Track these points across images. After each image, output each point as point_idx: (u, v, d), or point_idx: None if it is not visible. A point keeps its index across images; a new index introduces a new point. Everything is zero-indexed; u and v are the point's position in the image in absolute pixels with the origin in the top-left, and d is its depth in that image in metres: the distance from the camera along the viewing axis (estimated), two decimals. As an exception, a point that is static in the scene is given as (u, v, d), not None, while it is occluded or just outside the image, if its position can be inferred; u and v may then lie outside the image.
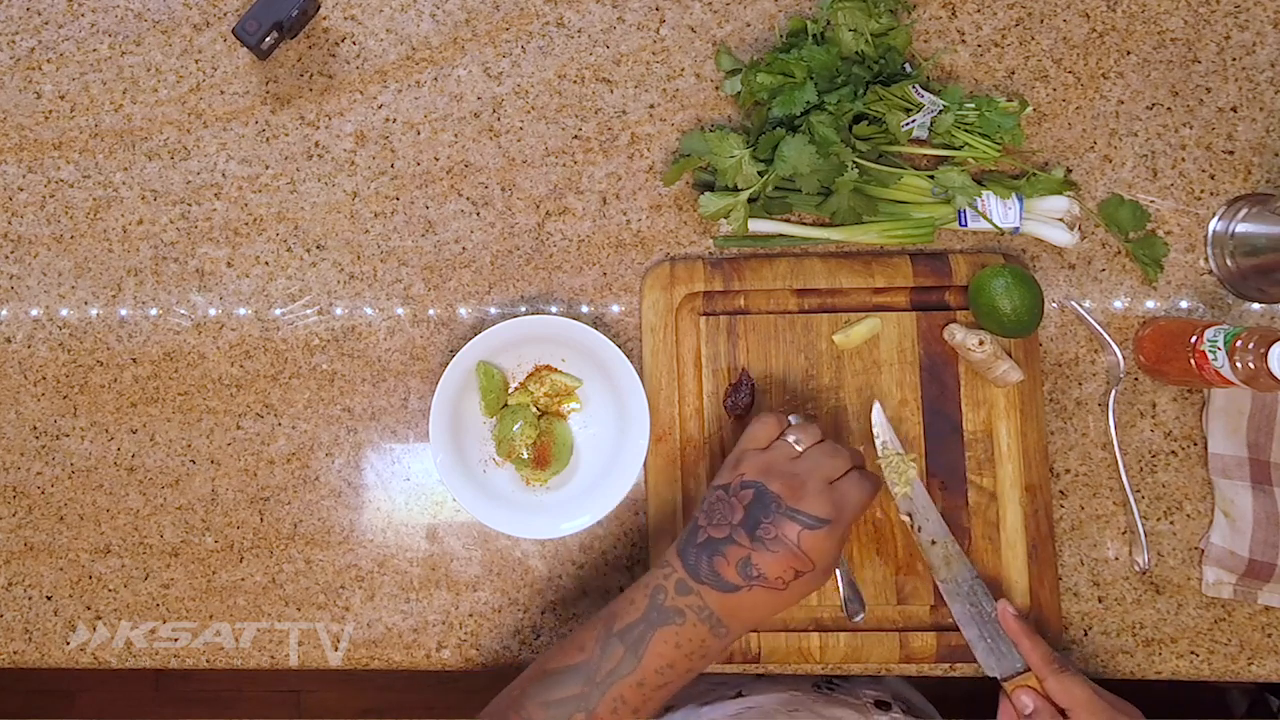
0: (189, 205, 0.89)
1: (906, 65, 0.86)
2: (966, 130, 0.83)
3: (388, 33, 0.90)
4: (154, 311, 0.88)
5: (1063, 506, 0.84)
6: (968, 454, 0.83)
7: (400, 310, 0.88)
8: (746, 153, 0.82)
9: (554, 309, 0.87)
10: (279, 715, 1.67)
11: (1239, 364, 0.73)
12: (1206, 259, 0.86)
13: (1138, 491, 0.84)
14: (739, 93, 0.86)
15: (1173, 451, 0.84)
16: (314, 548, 0.86)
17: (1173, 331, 0.81)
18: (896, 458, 0.80)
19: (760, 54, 0.88)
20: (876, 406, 0.81)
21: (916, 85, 0.82)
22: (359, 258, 0.88)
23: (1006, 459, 0.82)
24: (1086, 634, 0.83)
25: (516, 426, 0.82)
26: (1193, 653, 0.83)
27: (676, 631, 0.66)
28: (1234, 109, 0.87)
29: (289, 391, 0.87)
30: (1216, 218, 0.86)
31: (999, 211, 0.83)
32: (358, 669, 0.86)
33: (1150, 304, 0.86)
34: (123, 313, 0.88)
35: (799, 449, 0.70)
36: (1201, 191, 0.87)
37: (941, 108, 0.82)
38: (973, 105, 0.83)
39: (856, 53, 0.84)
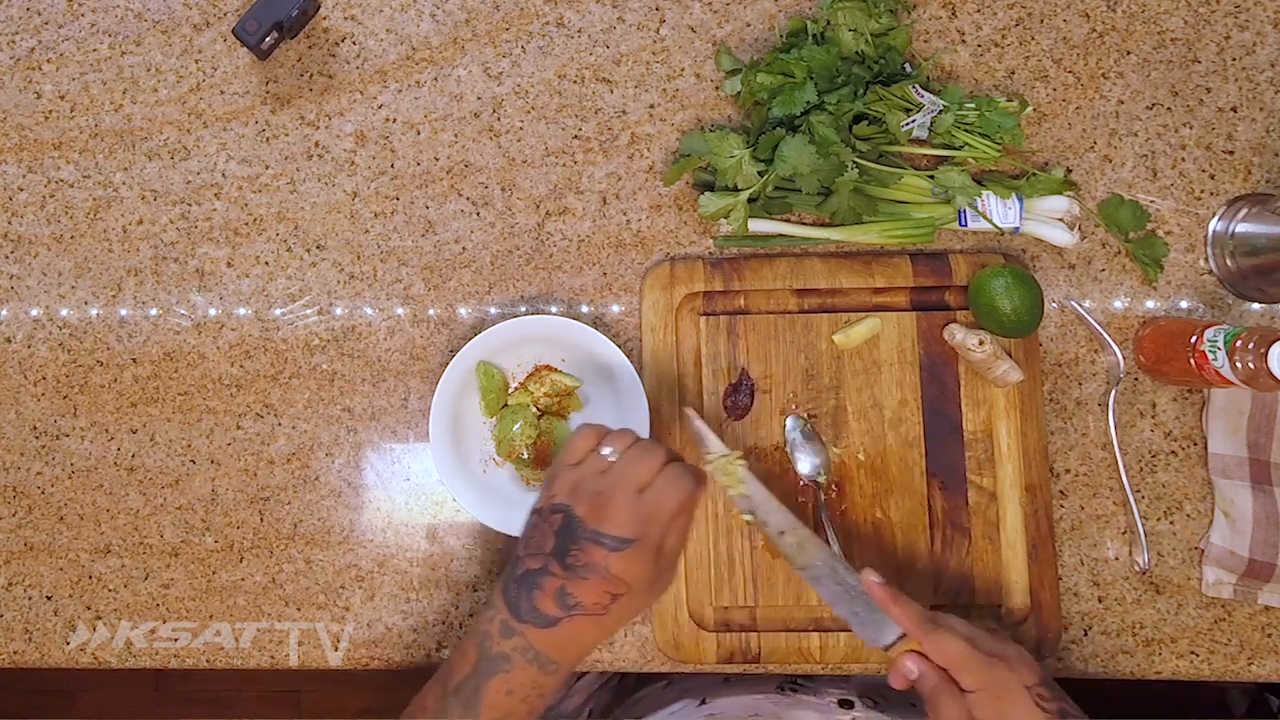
0: (189, 205, 0.89)
1: (906, 65, 0.86)
2: (966, 130, 0.83)
3: (388, 33, 0.90)
4: (154, 311, 0.88)
5: (1063, 506, 0.84)
6: (968, 454, 0.83)
7: (400, 310, 0.88)
8: (746, 153, 0.82)
9: (554, 309, 0.87)
10: (279, 715, 1.67)
11: (1239, 364, 0.73)
12: (1206, 259, 0.86)
13: (1138, 491, 0.84)
14: (739, 93, 0.86)
15: (1173, 451, 0.84)
16: (314, 548, 0.86)
17: (1173, 331, 0.81)
18: (722, 460, 0.75)
19: (760, 54, 0.88)
20: (690, 412, 0.77)
21: (916, 85, 0.82)
22: (359, 258, 0.88)
23: (1006, 459, 0.82)
24: (1086, 634, 0.83)
25: (516, 426, 0.82)
26: (1193, 653, 0.83)
27: (505, 679, 0.64)
28: (1234, 109, 0.87)
29: (289, 391, 0.87)
30: (1216, 218, 0.86)
31: (999, 211, 0.83)
32: (358, 669, 0.85)
33: (1150, 304, 0.86)
34: (123, 313, 0.88)
35: (610, 459, 0.67)
36: (1201, 191, 0.87)
37: (941, 108, 0.82)
38: (973, 105, 0.83)
39: (856, 53, 0.84)
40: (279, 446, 0.87)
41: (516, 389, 0.85)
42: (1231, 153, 0.87)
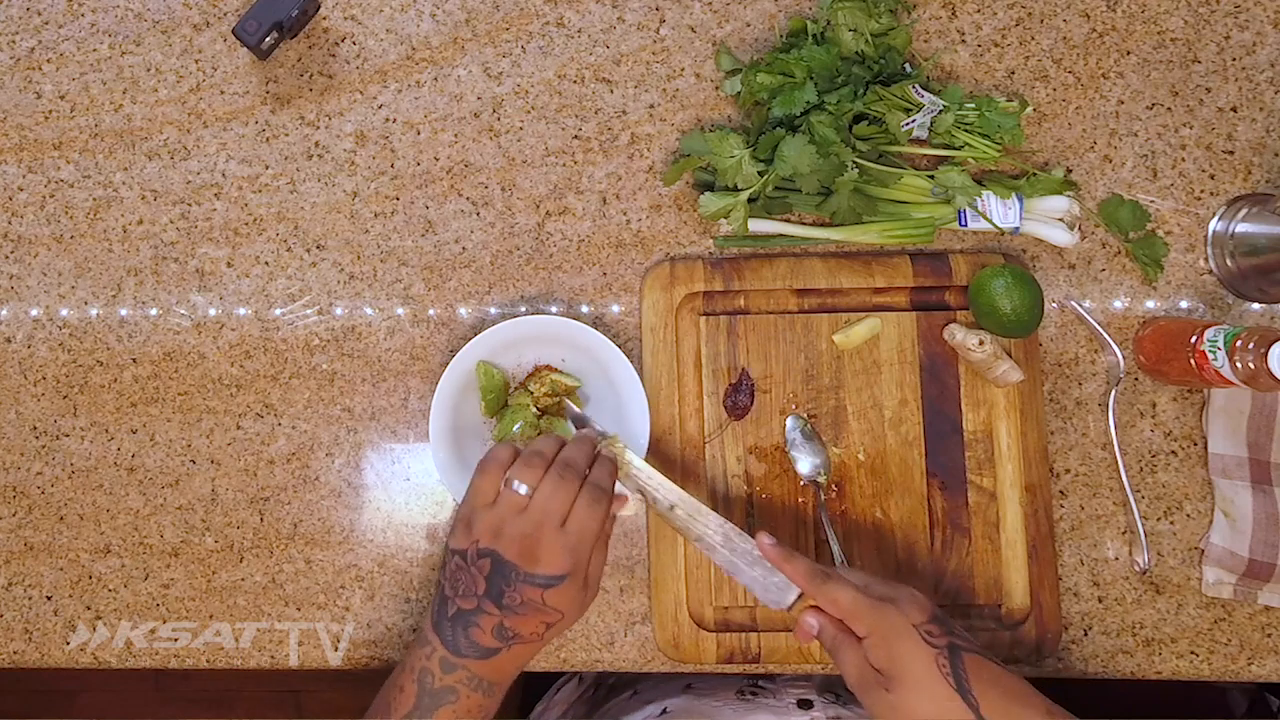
0: (189, 205, 0.89)
1: (906, 65, 0.86)
2: (966, 130, 0.83)
3: (388, 33, 0.90)
4: (154, 311, 0.88)
5: (1063, 506, 0.84)
6: (968, 454, 0.83)
7: (400, 310, 0.88)
8: (746, 153, 0.82)
9: (554, 309, 0.87)
10: (279, 715, 1.67)
11: (1239, 364, 0.73)
12: (1206, 259, 0.86)
13: (1138, 491, 0.84)
14: (739, 93, 0.86)
15: (1173, 451, 0.84)
16: (314, 548, 0.86)
17: (1173, 331, 0.81)
18: (604, 441, 0.75)
19: (760, 54, 0.88)
20: (565, 402, 0.80)
21: (916, 85, 0.82)
22: (359, 258, 0.88)
23: (1006, 459, 0.82)
24: (1086, 634, 0.83)
25: (516, 427, 0.82)
26: (1193, 653, 0.83)
27: (453, 711, 0.67)
28: (1234, 109, 0.87)
29: (289, 391, 0.87)
30: (1216, 218, 0.86)
31: (999, 211, 0.83)
32: (358, 669, 0.86)
33: (1150, 304, 0.86)
34: (123, 313, 0.88)
35: (525, 495, 0.68)
36: (1201, 191, 0.87)
37: (941, 108, 0.82)
38: (973, 105, 0.83)
39: (856, 53, 0.84)
40: (279, 446, 0.87)
41: (516, 389, 0.85)
42: (1231, 153, 0.87)
